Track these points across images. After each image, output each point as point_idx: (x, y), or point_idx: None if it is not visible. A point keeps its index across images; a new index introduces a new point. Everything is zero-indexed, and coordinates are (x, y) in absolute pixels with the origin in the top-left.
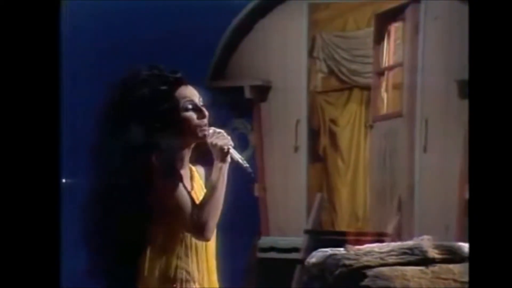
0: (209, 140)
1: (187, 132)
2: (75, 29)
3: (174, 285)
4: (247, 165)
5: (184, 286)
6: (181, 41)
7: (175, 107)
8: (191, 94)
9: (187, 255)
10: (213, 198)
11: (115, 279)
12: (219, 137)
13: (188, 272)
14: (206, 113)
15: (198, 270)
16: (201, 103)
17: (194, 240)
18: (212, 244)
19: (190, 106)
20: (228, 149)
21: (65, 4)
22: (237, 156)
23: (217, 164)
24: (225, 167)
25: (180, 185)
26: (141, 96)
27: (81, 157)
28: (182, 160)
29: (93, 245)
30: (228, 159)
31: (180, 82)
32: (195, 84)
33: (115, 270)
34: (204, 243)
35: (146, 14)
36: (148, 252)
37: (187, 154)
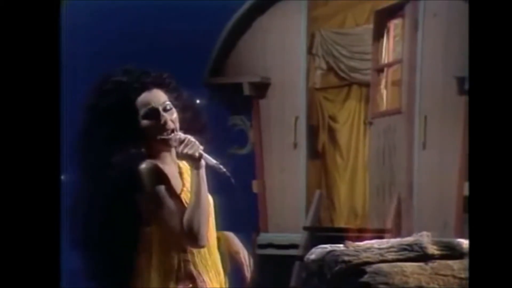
0: (177, 150)
1: (151, 139)
2: (75, 28)
3: (188, 285)
4: (224, 169)
5: (192, 282)
6: (180, 39)
7: (135, 117)
8: (154, 99)
9: (190, 251)
10: (199, 206)
11: (112, 280)
12: (187, 144)
13: (195, 266)
14: (169, 117)
15: (204, 263)
16: (167, 107)
17: None
18: (213, 235)
19: (149, 114)
20: (200, 155)
21: (65, 4)
22: (211, 161)
23: (192, 171)
24: (202, 171)
25: (165, 192)
26: (106, 106)
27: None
28: (163, 162)
29: (88, 247)
30: (202, 163)
31: (144, 88)
32: (193, 82)
33: (111, 271)
34: None
35: (145, 13)
36: (146, 252)
37: (167, 155)
